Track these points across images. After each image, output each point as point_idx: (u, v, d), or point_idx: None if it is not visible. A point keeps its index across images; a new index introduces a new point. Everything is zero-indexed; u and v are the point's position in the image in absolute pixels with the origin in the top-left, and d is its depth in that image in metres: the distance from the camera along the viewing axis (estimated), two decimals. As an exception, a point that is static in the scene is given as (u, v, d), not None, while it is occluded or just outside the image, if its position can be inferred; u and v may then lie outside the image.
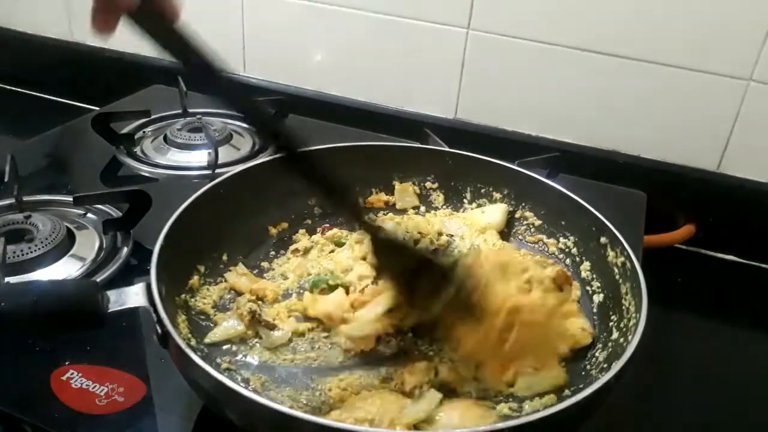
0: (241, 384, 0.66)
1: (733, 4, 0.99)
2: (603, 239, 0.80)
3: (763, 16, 0.99)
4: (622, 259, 0.75)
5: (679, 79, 1.06)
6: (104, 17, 0.56)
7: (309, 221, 0.92)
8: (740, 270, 1.12)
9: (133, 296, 0.62)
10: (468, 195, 0.96)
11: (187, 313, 0.73)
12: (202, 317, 0.74)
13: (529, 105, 1.19)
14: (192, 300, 0.75)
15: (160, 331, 0.60)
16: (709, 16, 1.01)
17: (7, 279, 0.78)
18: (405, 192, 0.97)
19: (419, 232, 0.88)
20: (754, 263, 1.13)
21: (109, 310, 0.61)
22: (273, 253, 0.87)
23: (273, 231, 0.90)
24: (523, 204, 0.92)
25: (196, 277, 0.77)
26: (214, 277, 0.80)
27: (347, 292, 0.78)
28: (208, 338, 0.71)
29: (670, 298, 0.97)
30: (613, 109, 1.13)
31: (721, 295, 1.06)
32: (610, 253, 0.78)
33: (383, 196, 0.98)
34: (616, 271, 0.76)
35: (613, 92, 1.12)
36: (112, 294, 0.62)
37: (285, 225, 0.91)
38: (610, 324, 0.73)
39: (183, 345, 0.57)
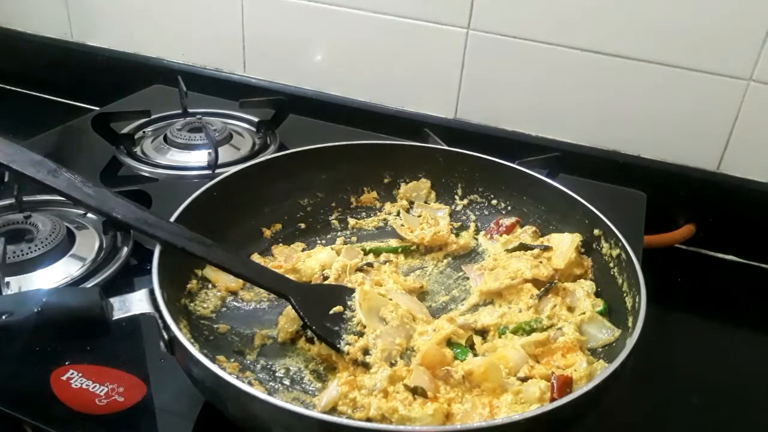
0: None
1: (733, 3, 0.99)
2: (596, 231, 0.81)
3: (763, 16, 0.99)
4: (617, 251, 0.76)
5: (680, 78, 1.06)
6: None
7: (302, 224, 0.92)
8: (740, 270, 1.12)
9: (136, 303, 0.62)
10: (459, 191, 0.97)
11: (188, 317, 0.73)
12: (204, 322, 0.74)
13: (529, 105, 1.19)
14: (191, 305, 0.75)
15: (166, 337, 0.60)
16: (710, 15, 1.01)
17: (7, 279, 0.78)
18: (417, 188, 0.97)
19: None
20: (754, 263, 1.13)
21: (114, 318, 0.60)
22: (269, 255, 0.87)
23: (267, 233, 0.90)
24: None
25: (194, 281, 0.77)
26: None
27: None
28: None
29: (670, 298, 0.97)
30: (613, 109, 1.13)
31: (721, 295, 1.06)
32: (604, 245, 0.79)
33: (374, 195, 0.98)
34: (612, 263, 0.77)
35: (613, 92, 1.12)
36: (115, 301, 0.61)
37: (278, 226, 0.91)
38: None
39: (195, 351, 0.57)
